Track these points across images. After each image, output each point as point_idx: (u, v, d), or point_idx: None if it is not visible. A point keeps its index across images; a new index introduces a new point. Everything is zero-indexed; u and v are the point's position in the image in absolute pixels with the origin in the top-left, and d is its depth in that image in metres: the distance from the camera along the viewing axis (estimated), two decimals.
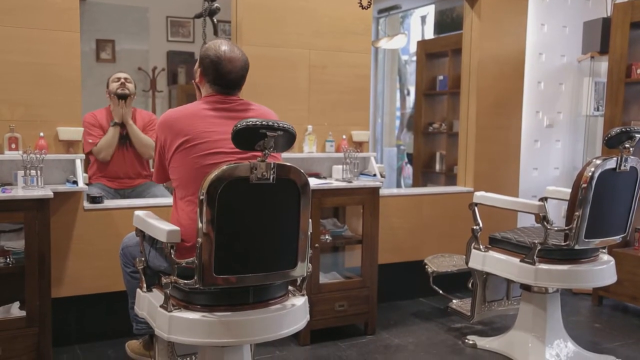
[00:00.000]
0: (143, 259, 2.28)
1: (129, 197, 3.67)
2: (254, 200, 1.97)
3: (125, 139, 3.69)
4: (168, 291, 2.04)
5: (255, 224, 1.99)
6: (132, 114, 3.73)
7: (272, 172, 1.91)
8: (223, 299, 2.04)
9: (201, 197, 1.87)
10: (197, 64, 2.29)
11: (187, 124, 2.13)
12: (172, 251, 2.03)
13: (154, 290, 2.26)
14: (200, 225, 1.89)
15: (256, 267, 2.00)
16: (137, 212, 2.32)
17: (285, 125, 1.91)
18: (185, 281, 1.97)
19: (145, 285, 2.27)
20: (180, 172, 2.16)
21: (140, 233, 2.30)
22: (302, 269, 2.09)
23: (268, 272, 2.03)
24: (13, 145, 2.93)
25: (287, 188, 1.99)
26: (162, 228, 2.06)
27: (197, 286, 1.94)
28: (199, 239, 1.90)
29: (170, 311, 2.03)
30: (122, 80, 3.67)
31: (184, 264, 1.99)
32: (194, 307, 2.04)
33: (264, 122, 1.89)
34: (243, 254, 1.98)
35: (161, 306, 2.07)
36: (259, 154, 1.91)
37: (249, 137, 1.90)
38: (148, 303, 2.22)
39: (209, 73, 2.22)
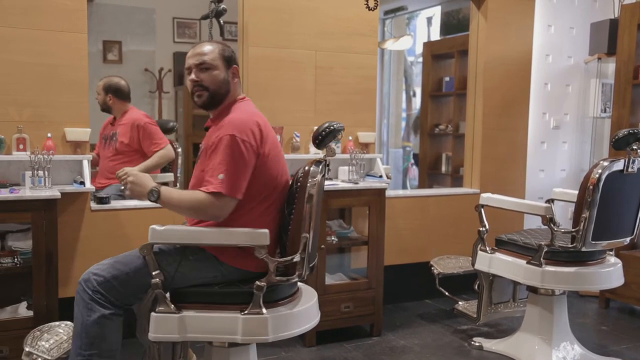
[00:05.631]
0: (165, 275, 2.04)
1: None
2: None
3: (108, 138, 3.68)
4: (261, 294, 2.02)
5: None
6: (123, 112, 3.71)
7: None
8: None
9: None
10: (228, 61, 2.20)
11: (268, 129, 2.18)
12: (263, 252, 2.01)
13: (183, 311, 2.04)
14: None
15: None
16: (171, 226, 2.06)
17: None
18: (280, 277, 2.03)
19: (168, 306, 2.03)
20: (264, 181, 2.12)
21: (150, 250, 2.03)
22: None
23: None
24: (21, 146, 2.95)
25: None
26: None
27: None
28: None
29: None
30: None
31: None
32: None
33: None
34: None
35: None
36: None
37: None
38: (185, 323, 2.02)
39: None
